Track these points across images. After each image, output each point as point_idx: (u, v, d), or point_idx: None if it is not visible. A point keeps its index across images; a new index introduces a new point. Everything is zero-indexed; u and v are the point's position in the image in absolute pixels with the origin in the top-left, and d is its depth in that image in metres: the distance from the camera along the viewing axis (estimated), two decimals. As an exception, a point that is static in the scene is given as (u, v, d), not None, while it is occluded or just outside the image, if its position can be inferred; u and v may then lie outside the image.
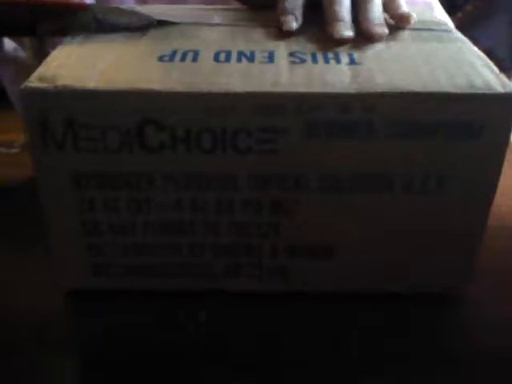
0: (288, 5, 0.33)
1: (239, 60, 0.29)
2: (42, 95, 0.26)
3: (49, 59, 0.29)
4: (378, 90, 0.27)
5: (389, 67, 0.29)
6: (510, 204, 0.40)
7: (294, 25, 0.32)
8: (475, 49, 0.31)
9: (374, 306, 0.32)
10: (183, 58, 0.29)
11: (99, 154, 0.28)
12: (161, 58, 0.29)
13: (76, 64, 0.28)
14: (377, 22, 0.32)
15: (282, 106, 0.27)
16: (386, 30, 0.32)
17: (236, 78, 0.27)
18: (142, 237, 0.31)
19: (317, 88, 0.27)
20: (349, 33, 0.31)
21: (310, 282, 0.32)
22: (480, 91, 0.27)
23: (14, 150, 0.45)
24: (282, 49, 0.30)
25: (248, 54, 0.30)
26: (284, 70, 0.28)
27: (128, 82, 0.27)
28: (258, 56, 0.29)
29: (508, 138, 0.28)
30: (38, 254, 0.33)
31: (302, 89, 0.27)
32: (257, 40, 0.32)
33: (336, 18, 0.32)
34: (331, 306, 0.32)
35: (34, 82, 0.26)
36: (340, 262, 0.32)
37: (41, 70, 0.28)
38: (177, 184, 0.29)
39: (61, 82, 0.26)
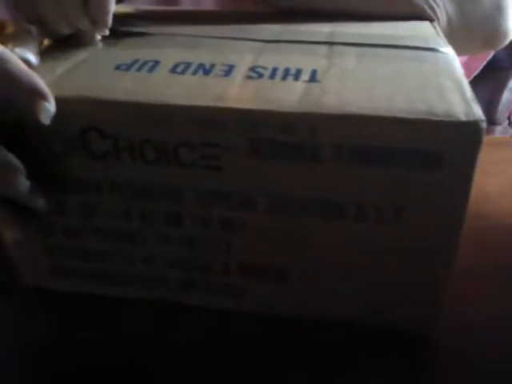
0: None
1: (195, 73, 0.28)
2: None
3: None
4: (321, 111, 0.25)
5: (346, 87, 0.27)
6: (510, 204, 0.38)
7: None
8: (457, 71, 0.29)
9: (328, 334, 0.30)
10: (140, 68, 0.29)
11: (46, 157, 0.28)
12: (118, 67, 0.29)
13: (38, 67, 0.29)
14: None
15: (222, 122, 0.26)
16: None
17: (181, 91, 0.27)
18: (94, 242, 0.31)
19: (259, 105, 0.26)
20: None
21: (263, 304, 0.31)
22: (437, 118, 0.24)
23: None
24: (245, 62, 0.30)
25: (207, 67, 0.29)
26: (235, 84, 0.27)
27: (75, 89, 0.27)
28: (216, 69, 0.29)
29: (472, 171, 0.25)
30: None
31: (243, 105, 0.26)
32: (225, 52, 0.31)
33: None
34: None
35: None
36: (295, 287, 0.30)
37: None
38: (124, 193, 0.29)
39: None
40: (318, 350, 0.30)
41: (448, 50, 0.31)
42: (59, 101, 0.27)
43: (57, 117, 0.27)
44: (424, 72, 0.28)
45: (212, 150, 0.26)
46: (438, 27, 0.36)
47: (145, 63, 0.29)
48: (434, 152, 0.25)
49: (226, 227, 0.29)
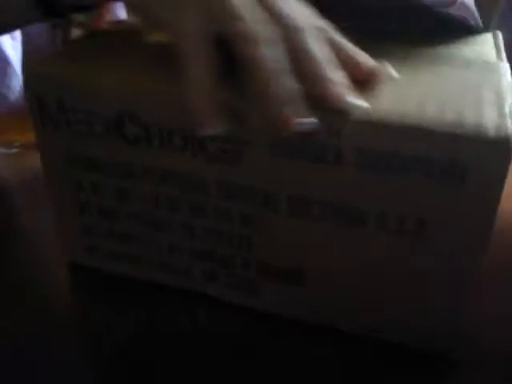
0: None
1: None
2: (36, 78, 0.29)
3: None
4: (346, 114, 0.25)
5: (380, 90, 0.26)
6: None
7: None
8: (504, 83, 0.27)
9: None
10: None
11: (85, 138, 0.30)
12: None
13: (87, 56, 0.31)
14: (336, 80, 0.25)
15: (245, 118, 0.26)
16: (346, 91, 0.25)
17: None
18: (126, 225, 0.32)
19: (283, 104, 0.26)
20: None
21: (277, 305, 0.31)
22: (463, 131, 0.23)
23: (14, 150, 0.47)
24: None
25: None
26: (267, 82, 0.27)
27: (114, 74, 0.28)
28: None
29: (500, 189, 0.24)
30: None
31: (266, 102, 0.26)
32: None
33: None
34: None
35: (32, 65, 0.30)
36: (310, 291, 0.30)
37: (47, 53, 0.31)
38: (153, 179, 0.30)
39: (55, 68, 0.29)
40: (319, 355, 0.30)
41: (502, 61, 0.30)
42: (98, 84, 0.28)
43: (95, 100, 0.28)
44: (467, 80, 0.27)
45: (235, 144, 0.27)
46: (500, 38, 0.34)
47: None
48: (459, 165, 0.24)
49: (246, 223, 0.29)
